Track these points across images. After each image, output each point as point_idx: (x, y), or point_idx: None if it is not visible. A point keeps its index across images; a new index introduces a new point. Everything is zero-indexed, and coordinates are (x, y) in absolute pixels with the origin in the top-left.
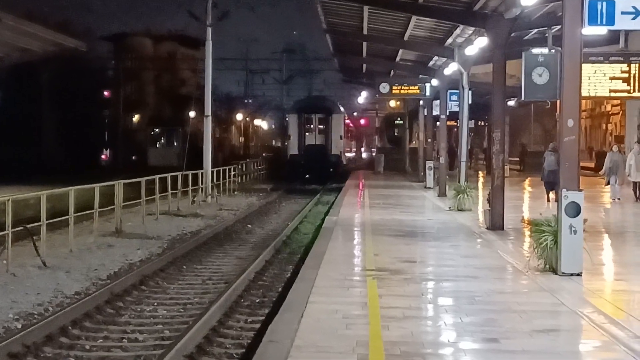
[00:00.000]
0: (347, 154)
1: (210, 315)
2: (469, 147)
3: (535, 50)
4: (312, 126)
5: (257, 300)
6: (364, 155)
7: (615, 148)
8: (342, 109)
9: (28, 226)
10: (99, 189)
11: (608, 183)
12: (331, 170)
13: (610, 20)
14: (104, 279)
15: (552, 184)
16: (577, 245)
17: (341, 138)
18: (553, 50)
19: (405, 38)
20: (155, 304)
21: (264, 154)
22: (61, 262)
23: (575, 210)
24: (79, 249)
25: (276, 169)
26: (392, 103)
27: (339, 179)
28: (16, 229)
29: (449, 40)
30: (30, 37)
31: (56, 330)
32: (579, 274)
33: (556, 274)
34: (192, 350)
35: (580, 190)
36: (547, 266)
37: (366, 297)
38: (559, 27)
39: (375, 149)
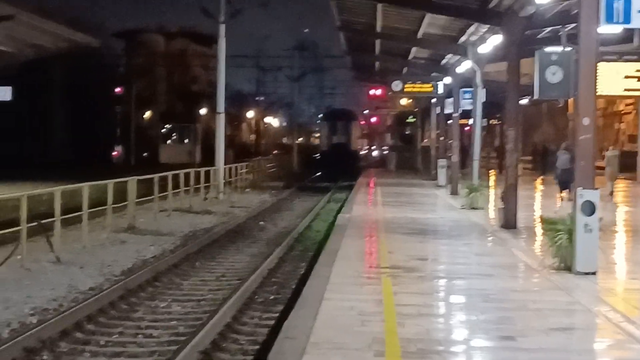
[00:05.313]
0: (361, 152)
1: (224, 312)
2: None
3: (549, 49)
4: (337, 130)
5: (271, 297)
6: (374, 153)
7: None
8: (358, 116)
9: (42, 222)
10: (112, 186)
11: None
12: (351, 162)
13: (627, 19)
14: (117, 274)
15: (565, 183)
16: (592, 244)
17: (357, 138)
18: (569, 49)
19: (419, 36)
20: (169, 300)
21: (275, 152)
22: (75, 258)
23: (590, 208)
24: (92, 245)
25: (307, 163)
26: (404, 101)
27: (350, 177)
28: (30, 225)
29: (463, 38)
30: (43, 33)
31: (71, 325)
32: (593, 273)
33: (571, 272)
34: (207, 346)
35: (596, 189)
36: (562, 265)
37: (381, 294)
38: (573, 25)
39: (386, 147)
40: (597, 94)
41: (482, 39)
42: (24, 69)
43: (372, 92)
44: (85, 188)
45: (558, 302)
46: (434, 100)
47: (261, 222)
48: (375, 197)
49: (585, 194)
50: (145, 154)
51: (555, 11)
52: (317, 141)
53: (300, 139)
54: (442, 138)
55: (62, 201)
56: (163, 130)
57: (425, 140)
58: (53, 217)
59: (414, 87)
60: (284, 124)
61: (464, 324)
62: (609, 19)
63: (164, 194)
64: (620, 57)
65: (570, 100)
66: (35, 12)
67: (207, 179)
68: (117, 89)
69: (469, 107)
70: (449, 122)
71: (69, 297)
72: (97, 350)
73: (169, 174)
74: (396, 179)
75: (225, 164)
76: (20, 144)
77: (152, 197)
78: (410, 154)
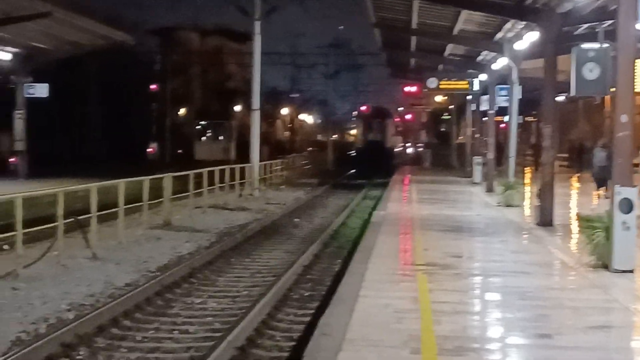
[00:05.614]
0: (396, 149)
1: (260, 308)
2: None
3: (586, 46)
4: (372, 127)
5: (306, 294)
6: (409, 150)
7: None
8: (393, 113)
9: (78, 218)
10: (147, 182)
11: None
12: (386, 159)
13: None
14: (153, 270)
15: (602, 180)
16: (630, 242)
17: (392, 136)
18: (606, 45)
19: (455, 32)
20: (205, 296)
21: (309, 149)
22: (111, 254)
23: (628, 206)
24: (128, 241)
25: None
26: (439, 98)
27: (385, 174)
28: (67, 221)
29: (499, 35)
30: (80, 30)
31: (108, 321)
32: (631, 271)
33: (608, 270)
34: (242, 342)
35: (634, 186)
36: (599, 262)
37: (417, 291)
38: (610, 22)
39: (420, 145)
40: (635, 90)
41: (519, 36)
42: (60, 66)
43: (407, 89)
44: (121, 184)
45: (595, 300)
46: (469, 97)
47: (296, 219)
48: (410, 194)
49: (623, 192)
50: (180, 151)
51: (593, 7)
52: (351, 138)
53: (335, 136)
54: (477, 135)
55: (98, 197)
56: (198, 127)
57: (460, 138)
58: (89, 213)
59: (449, 84)
60: (319, 121)
61: (500, 321)
62: None
63: (199, 190)
64: None
65: (607, 97)
66: (72, 9)
67: (242, 176)
68: (152, 86)
69: (504, 104)
70: (485, 119)
71: (105, 293)
72: (133, 346)
73: (204, 170)
74: (431, 176)
75: (260, 161)
76: (55, 141)
77: (188, 193)
78: (446, 151)
